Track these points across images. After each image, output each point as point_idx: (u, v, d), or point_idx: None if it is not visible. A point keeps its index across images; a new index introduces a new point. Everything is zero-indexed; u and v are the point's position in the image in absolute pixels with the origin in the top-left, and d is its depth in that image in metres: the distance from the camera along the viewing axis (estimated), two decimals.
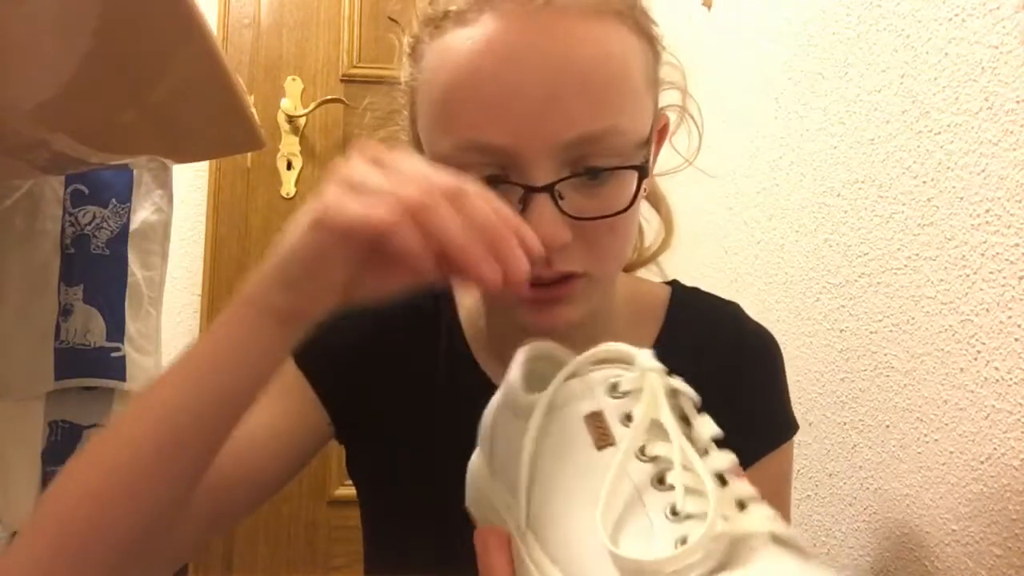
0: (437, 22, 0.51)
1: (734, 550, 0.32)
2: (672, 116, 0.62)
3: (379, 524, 0.69)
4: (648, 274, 0.73)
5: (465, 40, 0.49)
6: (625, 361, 0.41)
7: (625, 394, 0.39)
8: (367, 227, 0.39)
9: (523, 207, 0.49)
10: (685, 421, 0.38)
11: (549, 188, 0.49)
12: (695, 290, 0.68)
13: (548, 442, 0.39)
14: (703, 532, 0.32)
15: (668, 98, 0.61)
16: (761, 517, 0.34)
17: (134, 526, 0.44)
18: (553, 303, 0.52)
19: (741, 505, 0.35)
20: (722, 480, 0.35)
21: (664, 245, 0.71)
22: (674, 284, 0.67)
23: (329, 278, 0.42)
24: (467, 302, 0.66)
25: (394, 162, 0.42)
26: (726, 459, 0.37)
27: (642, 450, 0.37)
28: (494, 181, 0.50)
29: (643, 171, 0.51)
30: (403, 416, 0.64)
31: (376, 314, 0.64)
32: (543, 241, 0.47)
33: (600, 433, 0.38)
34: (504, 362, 0.62)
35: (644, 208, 0.68)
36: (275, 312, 0.43)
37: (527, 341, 0.48)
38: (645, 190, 0.54)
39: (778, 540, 0.33)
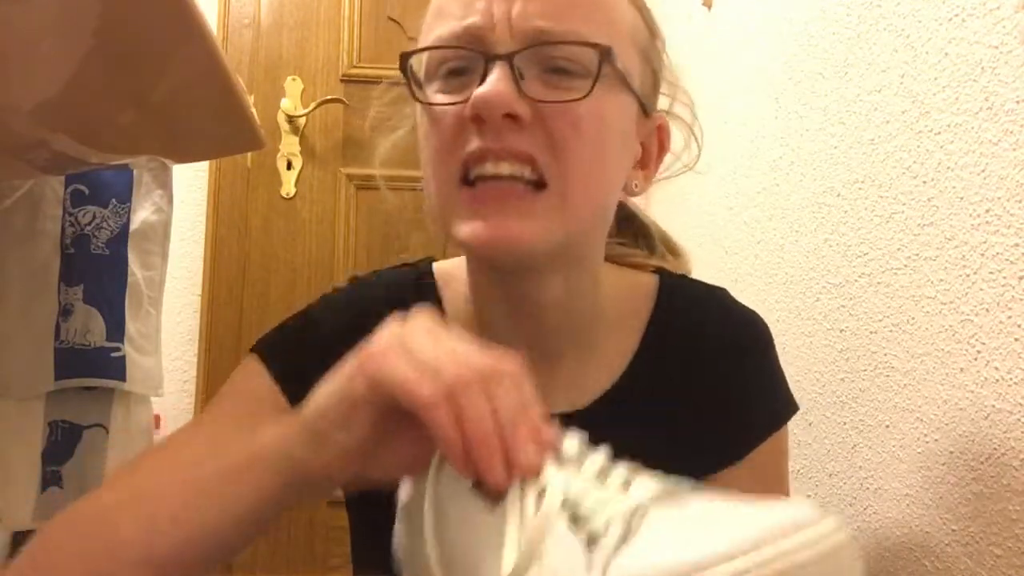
0: None
1: (631, 525, 0.35)
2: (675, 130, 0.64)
3: (361, 521, 0.69)
4: None
5: None
6: None
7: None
8: (409, 395, 0.40)
9: (482, 80, 0.50)
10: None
11: (507, 57, 0.50)
12: (682, 278, 0.68)
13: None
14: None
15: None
16: (642, 488, 0.38)
17: None
18: (503, 211, 0.50)
19: (626, 485, 0.38)
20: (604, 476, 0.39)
21: (682, 266, 0.72)
22: (661, 273, 0.67)
23: (356, 430, 0.43)
24: (451, 290, 0.66)
25: (446, 338, 0.43)
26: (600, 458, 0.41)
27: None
28: (459, 70, 0.52)
29: (605, 54, 0.51)
30: None
31: (354, 307, 0.64)
32: (487, 99, 0.49)
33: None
34: (493, 348, 0.62)
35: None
36: (293, 464, 0.44)
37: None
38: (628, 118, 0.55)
39: (662, 498, 0.37)
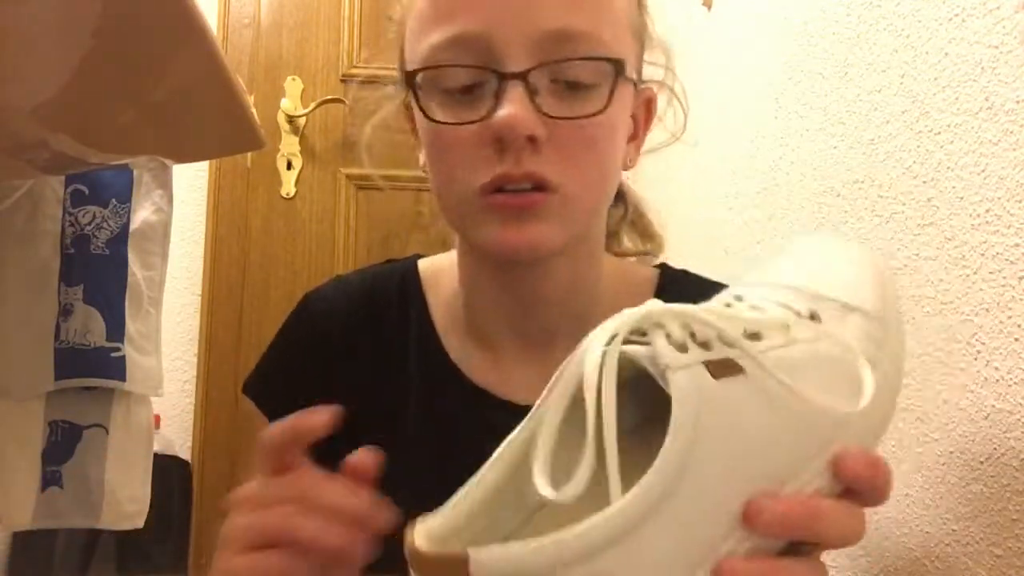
0: None
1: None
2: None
3: None
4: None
5: None
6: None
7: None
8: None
9: (496, 99, 0.49)
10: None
11: (522, 75, 0.49)
12: (684, 272, 0.67)
13: None
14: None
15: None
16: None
17: None
18: (522, 217, 0.51)
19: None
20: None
21: (656, 249, 0.71)
22: (662, 266, 0.67)
23: None
24: (437, 287, 0.66)
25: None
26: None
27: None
28: (469, 86, 0.51)
29: (619, 67, 0.51)
30: (373, 413, 0.64)
31: (337, 313, 0.64)
32: (511, 125, 0.48)
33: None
34: (486, 344, 0.62)
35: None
36: None
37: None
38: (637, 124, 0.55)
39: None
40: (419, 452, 0.60)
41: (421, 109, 0.53)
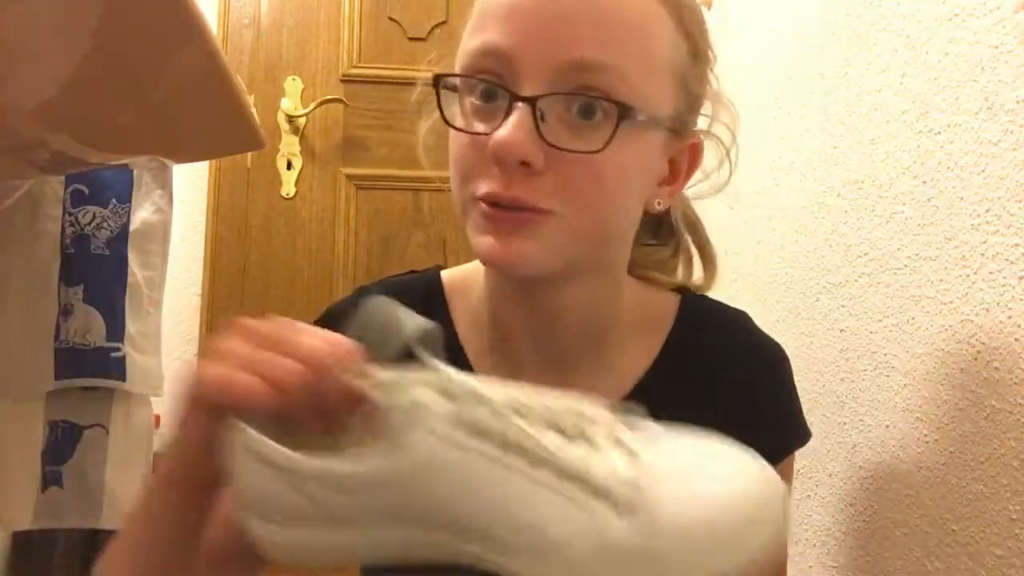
0: None
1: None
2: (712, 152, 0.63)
3: None
4: None
5: None
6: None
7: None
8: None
9: (505, 117, 0.50)
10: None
11: (532, 100, 0.50)
12: (703, 298, 0.67)
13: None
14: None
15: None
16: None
17: None
18: (511, 232, 0.51)
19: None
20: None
21: (706, 285, 0.70)
22: (682, 292, 0.67)
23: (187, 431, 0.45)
24: (460, 299, 0.65)
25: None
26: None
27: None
28: (490, 95, 0.52)
29: (627, 114, 0.51)
30: None
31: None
32: (505, 148, 0.49)
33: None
34: (509, 357, 0.61)
35: None
36: (164, 477, 0.47)
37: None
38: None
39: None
40: None
41: (441, 111, 0.54)
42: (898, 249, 0.75)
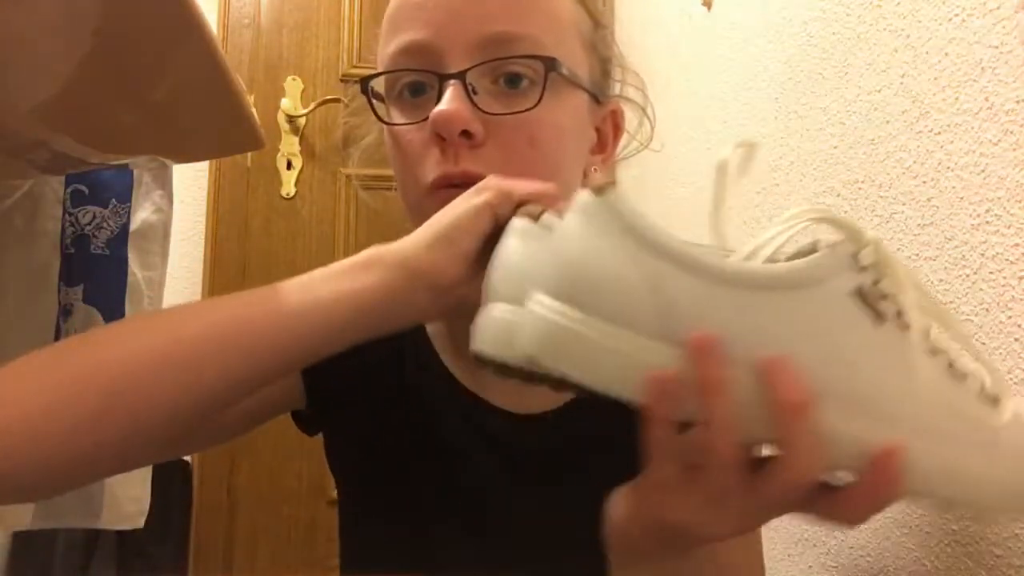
0: None
1: None
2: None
3: (351, 521, 0.70)
4: None
5: None
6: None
7: (865, 269, 0.40)
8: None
9: (438, 99, 0.52)
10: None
11: (460, 75, 0.52)
12: None
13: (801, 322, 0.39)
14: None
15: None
16: None
17: (192, 397, 0.43)
18: None
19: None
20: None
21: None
22: None
23: (474, 236, 0.46)
24: None
25: None
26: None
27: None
28: (418, 88, 0.55)
29: (550, 64, 0.53)
30: (370, 414, 0.64)
31: None
32: (445, 119, 0.51)
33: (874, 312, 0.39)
34: (468, 359, 0.62)
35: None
36: (409, 269, 0.46)
37: None
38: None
39: None
40: (415, 463, 0.61)
41: (375, 113, 0.57)
42: (898, 249, 0.75)
